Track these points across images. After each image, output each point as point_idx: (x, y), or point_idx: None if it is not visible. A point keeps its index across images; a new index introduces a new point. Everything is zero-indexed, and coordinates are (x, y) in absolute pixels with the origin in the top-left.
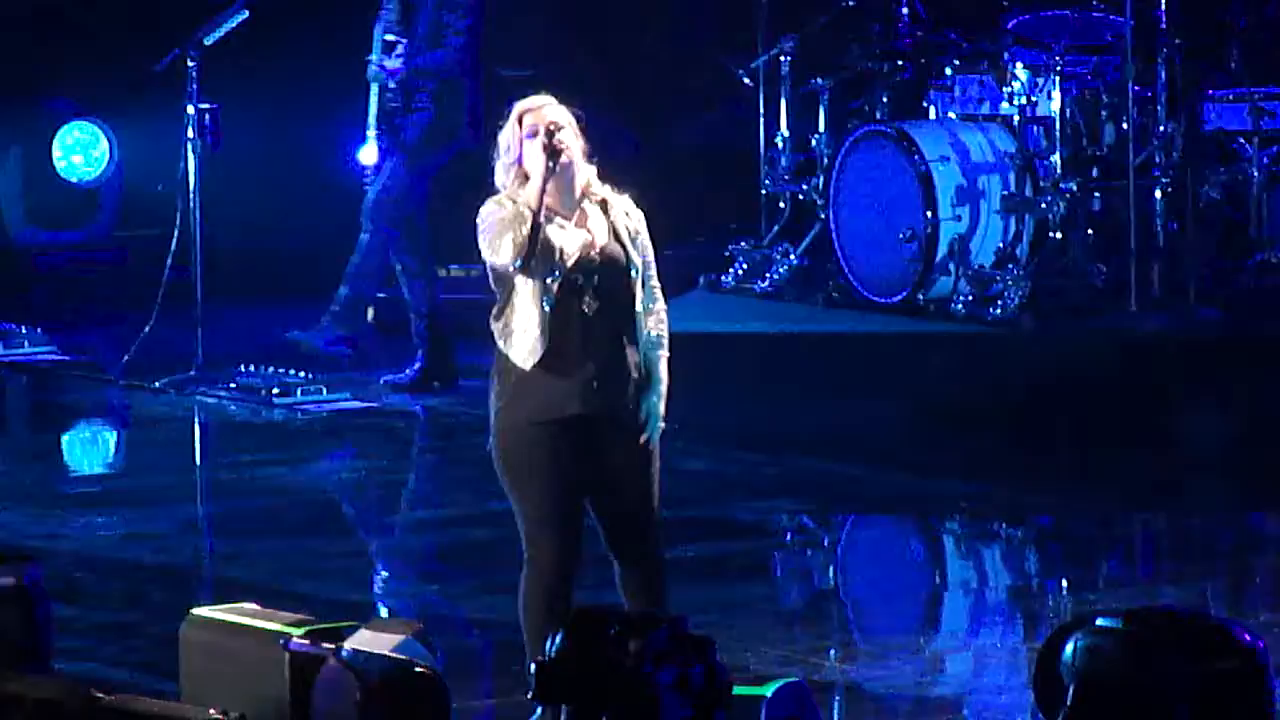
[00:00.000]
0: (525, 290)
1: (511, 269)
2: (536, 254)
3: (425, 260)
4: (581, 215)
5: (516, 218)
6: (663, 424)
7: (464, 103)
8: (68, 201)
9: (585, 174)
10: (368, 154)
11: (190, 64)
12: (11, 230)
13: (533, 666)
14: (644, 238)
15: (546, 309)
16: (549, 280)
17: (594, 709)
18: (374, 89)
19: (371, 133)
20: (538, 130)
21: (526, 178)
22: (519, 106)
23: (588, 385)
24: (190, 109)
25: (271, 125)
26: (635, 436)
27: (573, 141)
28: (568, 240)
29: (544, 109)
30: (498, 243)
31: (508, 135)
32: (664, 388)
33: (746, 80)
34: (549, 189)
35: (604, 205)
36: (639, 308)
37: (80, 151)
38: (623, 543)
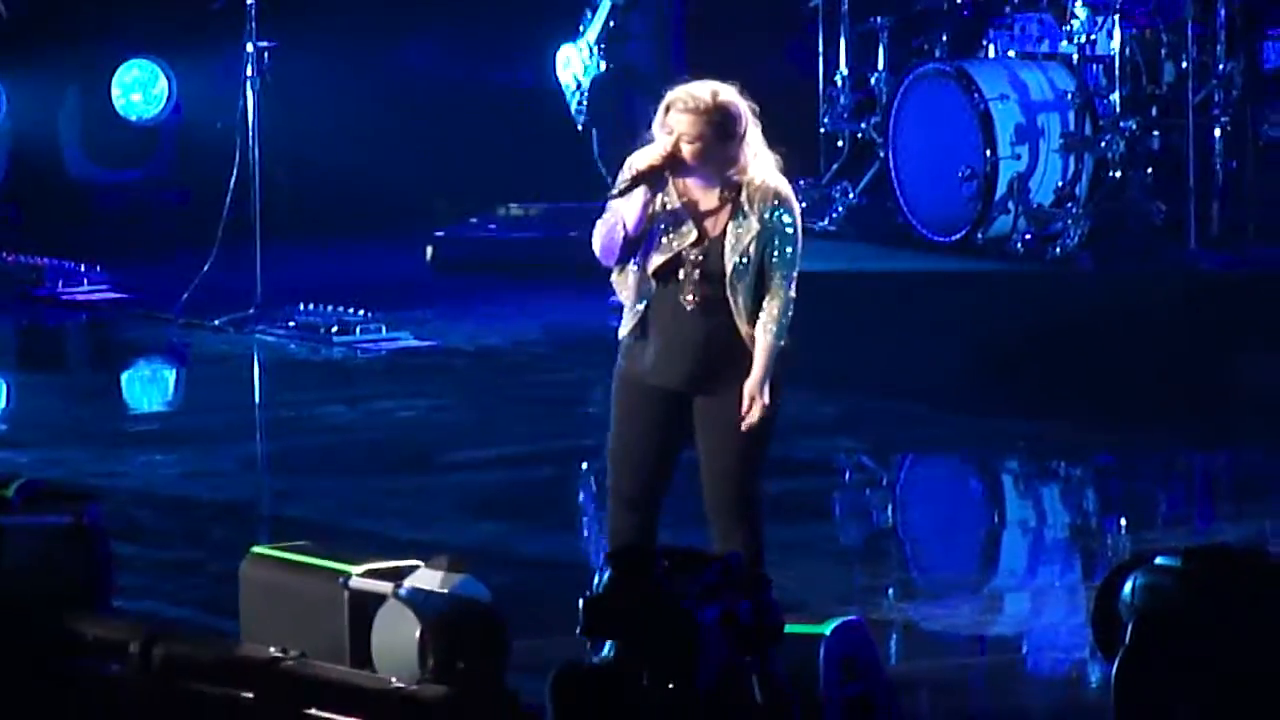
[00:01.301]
0: (634, 269)
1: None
2: (635, 252)
3: None
4: (713, 203)
5: (616, 225)
6: (760, 407)
7: (668, 31)
8: (127, 140)
9: (742, 158)
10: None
11: (249, 1)
12: (71, 169)
13: (580, 601)
14: (781, 227)
15: (643, 295)
16: (648, 269)
17: (638, 644)
18: (604, 6)
19: (584, 48)
20: (671, 133)
21: None
22: (670, 96)
23: (672, 363)
24: (249, 47)
25: (331, 62)
26: (721, 416)
27: (710, 146)
28: (667, 239)
29: (687, 115)
30: (595, 240)
31: (659, 118)
32: (762, 373)
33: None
34: (683, 178)
35: (742, 193)
36: (738, 302)
37: (139, 90)
38: (711, 513)
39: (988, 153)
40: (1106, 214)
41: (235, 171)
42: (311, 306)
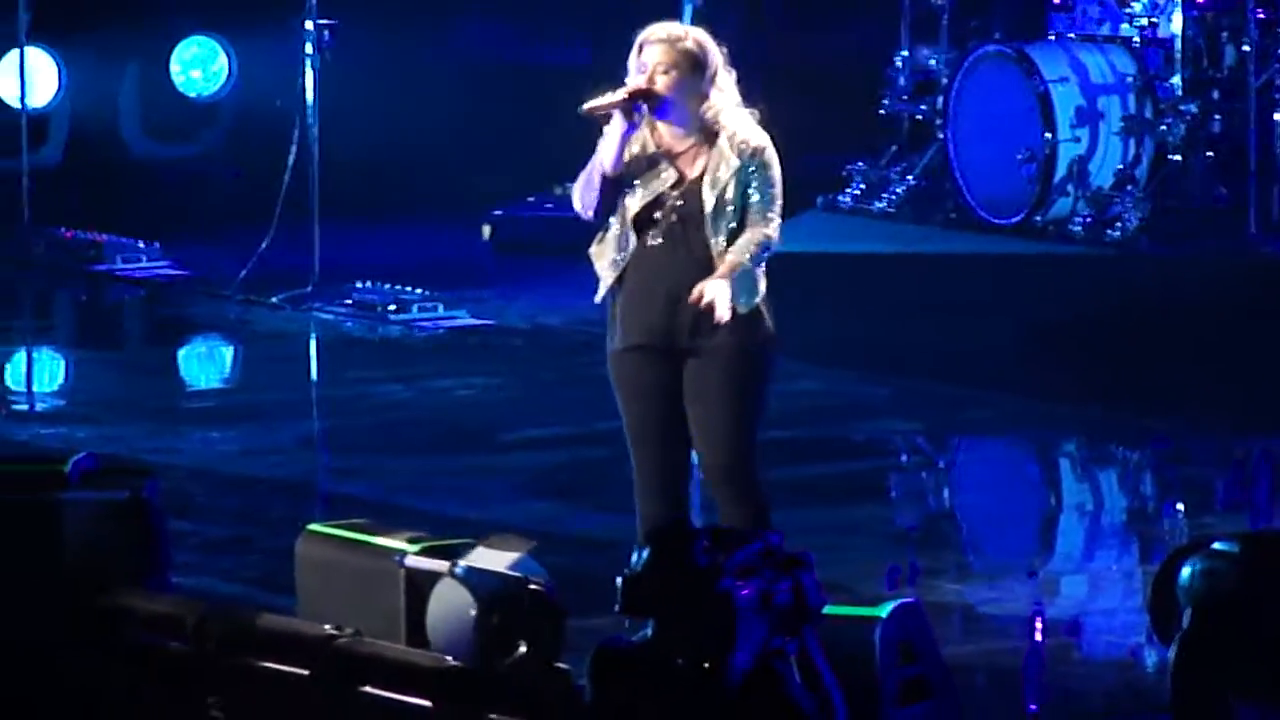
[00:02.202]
0: (613, 226)
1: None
2: (614, 203)
3: None
4: (690, 148)
5: (594, 170)
6: (723, 302)
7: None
8: (186, 117)
9: (716, 102)
10: None
11: None
12: (130, 145)
13: (619, 580)
14: (760, 169)
15: (623, 248)
16: (628, 217)
17: (676, 623)
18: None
19: None
20: (645, 69)
21: None
22: (642, 35)
23: (656, 319)
24: (309, 24)
25: (390, 40)
26: (708, 381)
27: (684, 78)
28: (645, 184)
29: (660, 45)
30: (575, 193)
31: (632, 58)
32: (718, 275)
33: None
34: (657, 122)
35: (720, 138)
36: (715, 246)
37: (199, 66)
38: (710, 485)
39: (1047, 135)
40: (1166, 197)
41: (294, 149)
42: (369, 284)
